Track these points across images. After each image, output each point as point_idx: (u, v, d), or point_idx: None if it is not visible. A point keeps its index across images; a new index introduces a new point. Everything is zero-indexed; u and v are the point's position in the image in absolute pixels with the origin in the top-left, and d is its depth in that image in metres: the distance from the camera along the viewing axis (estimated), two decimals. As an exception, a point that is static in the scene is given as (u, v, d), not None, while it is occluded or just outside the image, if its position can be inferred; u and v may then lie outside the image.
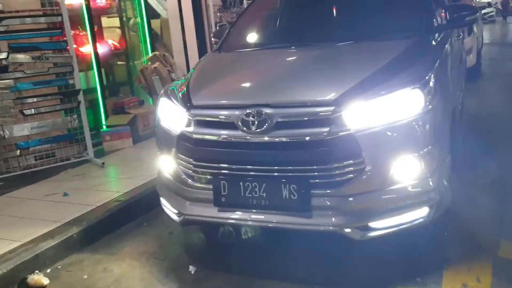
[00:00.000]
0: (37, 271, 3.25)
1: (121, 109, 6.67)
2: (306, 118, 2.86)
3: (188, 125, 3.15)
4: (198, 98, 3.21)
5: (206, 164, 3.08)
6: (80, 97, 5.42)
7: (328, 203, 2.84)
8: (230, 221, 3.07)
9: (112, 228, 3.93)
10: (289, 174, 2.87)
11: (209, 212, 3.11)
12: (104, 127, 6.60)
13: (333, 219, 2.83)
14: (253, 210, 2.98)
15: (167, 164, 3.36)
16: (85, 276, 3.25)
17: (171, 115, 3.34)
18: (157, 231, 3.89)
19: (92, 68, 6.66)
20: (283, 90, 3.06)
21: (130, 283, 3.15)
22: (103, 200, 4.25)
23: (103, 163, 5.42)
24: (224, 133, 3.01)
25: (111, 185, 4.80)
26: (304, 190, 2.84)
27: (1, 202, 4.50)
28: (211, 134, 3.06)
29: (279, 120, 2.87)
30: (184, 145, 3.18)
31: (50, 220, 3.85)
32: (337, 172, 2.80)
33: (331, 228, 2.84)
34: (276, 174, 2.90)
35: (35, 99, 5.21)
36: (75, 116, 5.45)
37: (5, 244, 3.45)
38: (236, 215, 3.04)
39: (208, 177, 3.08)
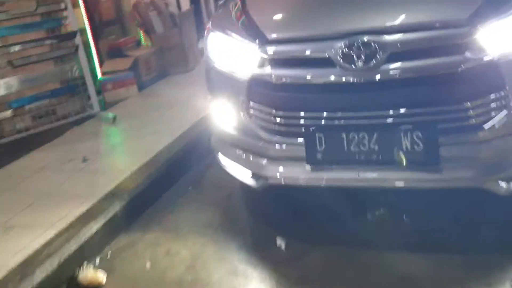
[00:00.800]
0: (86, 264, 2.61)
1: (118, 52, 5.79)
2: (431, 45, 2.18)
3: (263, 65, 2.45)
4: (273, 30, 2.48)
5: (294, 114, 2.41)
6: (78, 40, 4.56)
7: (463, 152, 2.24)
8: (329, 182, 2.46)
9: (155, 197, 3.28)
10: (411, 118, 2.23)
11: (299, 173, 2.48)
12: (101, 74, 5.74)
13: (470, 171, 2.24)
14: (361, 167, 2.38)
15: (230, 116, 2.68)
16: (148, 265, 2.63)
17: (233, 54, 2.62)
18: (210, 195, 3.25)
19: (78, 5, 5.68)
20: (393, 10, 2.34)
21: (209, 269, 2.53)
22: (133, 164, 3.54)
23: (115, 117, 4.66)
24: (318, 72, 2.33)
25: (134, 143, 4.06)
26: (431, 138, 2.21)
27: (7, 176, 3.75)
28: (298, 76, 2.37)
29: (394, 50, 2.20)
30: (260, 91, 2.49)
31: (80, 195, 3.16)
32: (474, 112, 2.18)
33: (468, 182, 2.26)
34: (393, 120, 2.26)
35: (24, 46, 4.34)
36: (73, 63, 4.61)
37: (36, 234, 2.77)
38: (338, 175, 2.42)
39: (297, 129, 2.43)
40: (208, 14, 8.04)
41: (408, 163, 2.26)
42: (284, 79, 2.39)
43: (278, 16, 2.60)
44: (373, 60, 2.19)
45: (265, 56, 2.43)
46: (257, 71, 2.46)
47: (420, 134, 2.22)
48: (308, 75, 2.34)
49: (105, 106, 5.08)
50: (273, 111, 2.46)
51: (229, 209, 3.06)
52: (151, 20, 5.87)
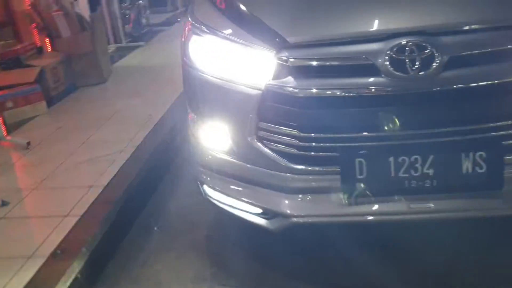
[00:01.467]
0: None
1: (15, 61, 4.78)
2: (500, 47, 1.83)
3: (281, 75, 1.92)
4: (294, 30, 1.94)
5: (326, 135, 1.92)
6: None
7: None
8: (371, 217, 1.99)
9: (113, 246, 2.56)
10: (474, 136, 1.86)
11: (333, 207, 1.98)
12: (-6, 89, 4.68)
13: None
14: (411, 197, 1.95)
15: (228, 140, 2.11)
16: None
17: (233, 63, 2.05)
18: (185, 237, 2.60)
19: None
20: (453, 4, 1.94)
21: None
22: (70, 205, 2.77)
23: (28, 143, 3.75)
24: (358, 82, 1.86)
25: (65, 177, 3.25)
26: (495, 158, 1.87)
27: None
28: (332, 88, 1.88)
29: (455, 53, 1.80)
30: (277, 108, 1.95)
31: (17, 255, 2.33)
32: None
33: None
34: (451, 138, 1.87)
35: None
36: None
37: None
38: (383, 207, 1.96)
39: (330, 154, 1.94)
40: (111, 16, 7.20)
41: (468, 188, 1.89)
42: (313, 92, 1.88)
43: (298, 12, 2.05)
44: (431, 66, 1.78)
45: (285, 63, 1.90)
46: (273, 83, 1.93)
47: (483, 154, 1.85)
48: (345, 86, 1.86)
49: (9, 127, 4.12)
50: (298, 133, 1.94)
51: (217, 254, 2.46)
52: (56, 22, 4.95)
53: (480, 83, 1.80)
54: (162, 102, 4.38)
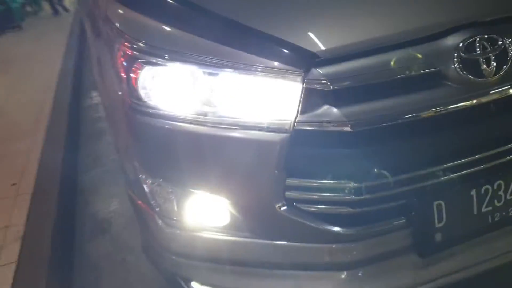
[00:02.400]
0: None
1: None
2: None
3: (313, 105, 1.28)
4: (325, 39, 1.30)
5: (391, 178, 1.34)
6: None
7: None
8: (456, 275, 1.46)
9: None
10: None
11: (408, 277, 1.43)
12: None
13: None
14: (494, 234, 1.48)
15: (240, 213, 1.41)
16: None
17: (237, 99, 1.34)
18: None
19: None
20: None
21: None
22: None
23: None
24: (425, 97, 1.30)
25: None
26: None
27: None
28: (393, 110, 1.29)
29: None
30: (316, 153, 1.33)
31: None
32: None
33: None
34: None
35: None
36: None
37: None
38: (467, 258, 1.47)
39: (397, 205, 1.37)
40: None
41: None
42: (368, 122, 1.28)
43: (322, 13, 1.37)
44: (506, 64, 1.33)
45: (319, 87, 1.27)
46: (306, 118, 1.29)
47: None
48: (410, 105, 1.30)
49: None
50: (351, 184, 1.33)
51: None
52: None
53: None
54: None
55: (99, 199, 2.84)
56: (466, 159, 1.37)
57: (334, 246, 1.40)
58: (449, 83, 1.31)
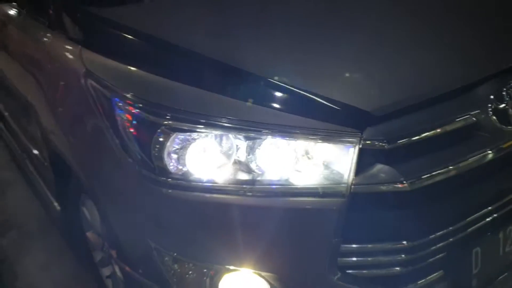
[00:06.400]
0: None
1: None
2: None
3: (368, 166, 1.23)
4: (377, 98, 1.25)
5: (439, 233, 1.31)
6: None
7: None
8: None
9: None
10: None
11: None
12: None
13: None
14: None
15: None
16: None
17: (283, 164, 1.22)
18: None
19: None
20: None
21: None
22: None
23: None
24: (470, 150, 1.32)
25: None
26: None
27: None
28: (445, 166, 1.27)
29: None
30: (375, 216, 1.27)
31: None
32: None
33: None
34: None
35: None
36: None
37: None
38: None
39: (441, 256, 1.35)
40: None
41: None
42: (425, 180, 1.25)
43: (369, 72, 1.33)
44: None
45: (375, 147, 1.22)
46: (364, 180, 1.22)
47: None
48: (459, 159, 1.30)
49: None
50: (406, 244, 1.28)
51: None
52: None
53: None
54: None
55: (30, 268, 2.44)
56: (497, 204, 1.42)
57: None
58: (484, 133, 1.35)
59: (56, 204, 2.21)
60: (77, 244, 2.23)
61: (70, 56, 1.60)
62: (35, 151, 2.29)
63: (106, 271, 1.93)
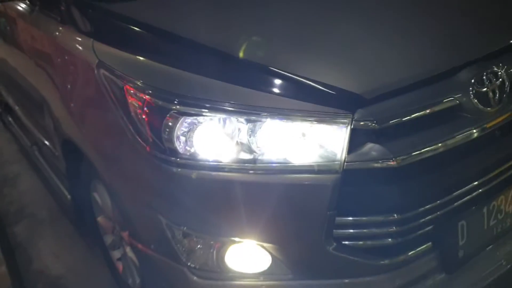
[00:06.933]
0: None
1: None
2: None
3: (360, 145, 1.34)
4: (368, 81, 1.37)
5: (426, 206, 1.43)
6: None
7: None
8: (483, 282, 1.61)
9: None
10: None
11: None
12: None
13: None
14: (499, 245, 1.66)
15: (288, 256, 1.41)
16: None
17: (281, 144, 1.33)
18: None
19: None
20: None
21: None
22: None
23: None
24: (453, 129, 1.44)
25: None
26: None
27: None
28: (429, 144, 1.39)
29: None
30: (366, 191, 1.39)
31: None
32: None
33: None
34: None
35: None
36: None
37: None
38: (483, 269, 1.62)
39: (428, 229, 1.46)
40: None
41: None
42: (412, 157, 1.36)
43: (359, 56, 1.45)
44: (504, 93, 1.53)
45: (366, 127, 1.33)
46: (356, 158, 1.33)
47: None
48: (442, 137, 1.42)
49: None
50: (396, 217, 1.40)
51: None
52: None
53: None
54: None
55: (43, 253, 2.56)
56: (481, 180, 1.53)
57: (374, 278, 1.45)
58: (467, 114, 1.46)
59: (66, 193, 2.32)
60: (88, 230, 2.34)
61: (83, 49, 1.72)
62: (47, 142, 2.40)
63: (116, 254, 2.05)
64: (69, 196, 2.30)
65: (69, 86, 1.84)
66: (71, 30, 1.82)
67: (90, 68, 1.62)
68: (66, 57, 1.84)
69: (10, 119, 3.45)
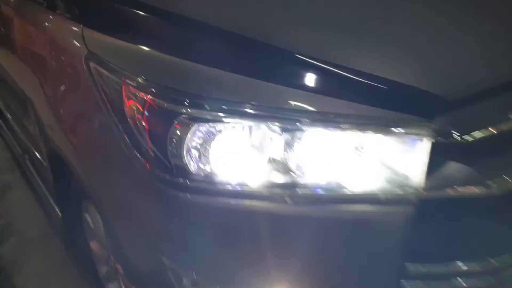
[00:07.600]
0: None
1: None
2: None
3: (444, 166, 0.97)
4: (452, 81, 1.00)
5: None
6: None
7: None
8: None
9: None
10: None
11: None
12: None
13: None
14: None
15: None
16: None
17: (335, 163, 0.97)
18: None
19: None
20: None
21: None
22: None
23: None
24: None
25: None
26: None
27: None
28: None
29: None
30: (451, 227, 1.01)
31: None
32: None
33: None
34: None
35: None
36: None
37: None
38: None
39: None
40: None
41: None
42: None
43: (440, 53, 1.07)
44: None
45: (455, 137, 0.96)
46: (433, 183, 0.96)
47: None
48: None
49: None
50: (490, 262, 1.02)
51: None
52: None
53: None
54: None
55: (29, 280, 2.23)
56: None
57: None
58: None
59: (57, 209, 1.99)
60: (80, 254, 2.02)
61: (70, 38, 1.37)
62: (35, 151, 2.08)
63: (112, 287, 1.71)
64: (60, 214, 1.97)
65: (54, 85, 1.49)
66: (58, 16, 1.48)
67: (78, 61, 1.27)
68: (52, 49, 1.49)
69: (1, 122, 3.14)
